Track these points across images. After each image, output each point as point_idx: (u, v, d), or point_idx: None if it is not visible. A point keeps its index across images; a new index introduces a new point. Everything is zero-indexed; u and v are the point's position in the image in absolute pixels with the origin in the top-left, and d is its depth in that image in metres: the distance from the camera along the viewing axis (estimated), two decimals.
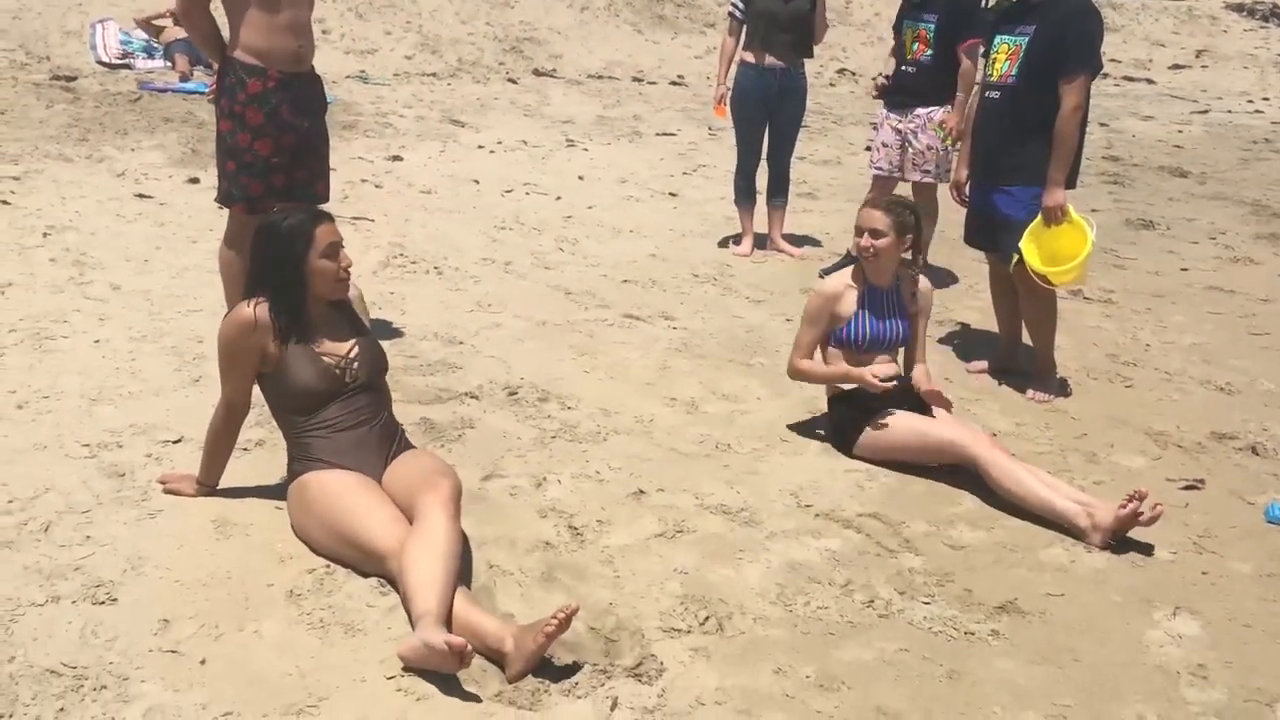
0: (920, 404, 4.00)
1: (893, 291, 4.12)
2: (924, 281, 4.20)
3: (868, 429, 3.94)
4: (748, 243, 6.70)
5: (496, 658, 2.73)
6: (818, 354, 4.16)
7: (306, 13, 4.28)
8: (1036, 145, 4.47)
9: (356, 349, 3.32)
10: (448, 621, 2.73)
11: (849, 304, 4.06)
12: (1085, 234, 4.44)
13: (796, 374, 4.18)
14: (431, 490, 2.98)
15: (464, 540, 3.08)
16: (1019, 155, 4.56)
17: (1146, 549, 3.48)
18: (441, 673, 2.65)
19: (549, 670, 2.72)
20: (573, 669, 2.74)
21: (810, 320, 4.11)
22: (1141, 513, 3.44)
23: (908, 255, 4.14)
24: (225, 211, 4.47)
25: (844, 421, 4.06)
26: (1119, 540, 3.48)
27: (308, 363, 3.22)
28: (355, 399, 3.27)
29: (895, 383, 3.99)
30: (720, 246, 6.81)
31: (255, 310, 3.19)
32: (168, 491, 3.43)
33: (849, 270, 4.16)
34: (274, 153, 4.27)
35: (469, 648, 2.60)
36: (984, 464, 3.68)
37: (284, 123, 4.25)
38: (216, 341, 3.29)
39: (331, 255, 3.21)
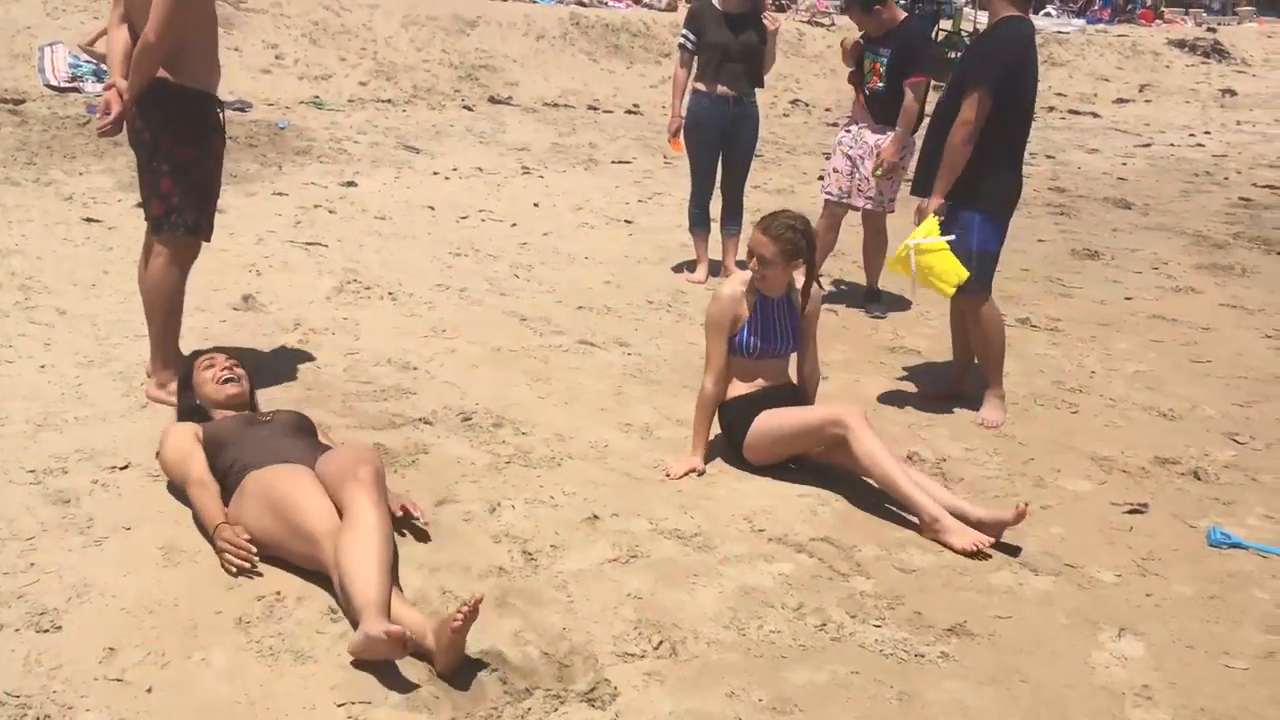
0: (806, 401, 4.27)
1: (784, 301, 4.20)
2: (814, 287, 4.29)
3: (754, 425, 4.05)
4: (702, 270, 6.75)
5: (422, 652, 2.79)
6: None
7: None
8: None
9: (277, 411, 3.78)
10: (389, 608, 2.80)
11: (743, 312, 4.14)
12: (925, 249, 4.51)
13: (699, 400, 4.17)
14: (352, 480, 3.06)
15: (390, 522, 3.14)
16: (933, 170, 4.68)
17: (1092, 572, 3.54)
18: (386, 659, 2.72)
19: (502, 695, 2.72)
20: (526, 694, 2.73)
21: (715, 328, 4.14)
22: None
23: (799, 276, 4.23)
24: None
25: (733, 423, 4.15)
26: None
27: (229, 426, 3.57)
28: (279, 429, 3.54)
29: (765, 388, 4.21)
30: (675, 272, 6.86)
31: (182, 422, 3.67)
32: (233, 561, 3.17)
33: (744, 277, 4.20)
34: (221, 177, 4.33)
35: (406, 633, 2.69)
36: (851, 433, 3.81)
37: (224, 145, 4.31)
38: (163, 465, 3.54)
39: (207, 367, 3.80)
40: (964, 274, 4.51)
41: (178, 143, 4.10)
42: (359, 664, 2.76)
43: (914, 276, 4.54)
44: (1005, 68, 4.50)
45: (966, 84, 4.49)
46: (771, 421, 4.05)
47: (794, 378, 4.35)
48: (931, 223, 4.53)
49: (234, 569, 3.13)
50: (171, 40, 3.93)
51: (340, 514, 3.05)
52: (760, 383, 4.19)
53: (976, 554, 3.57)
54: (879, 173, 6.08)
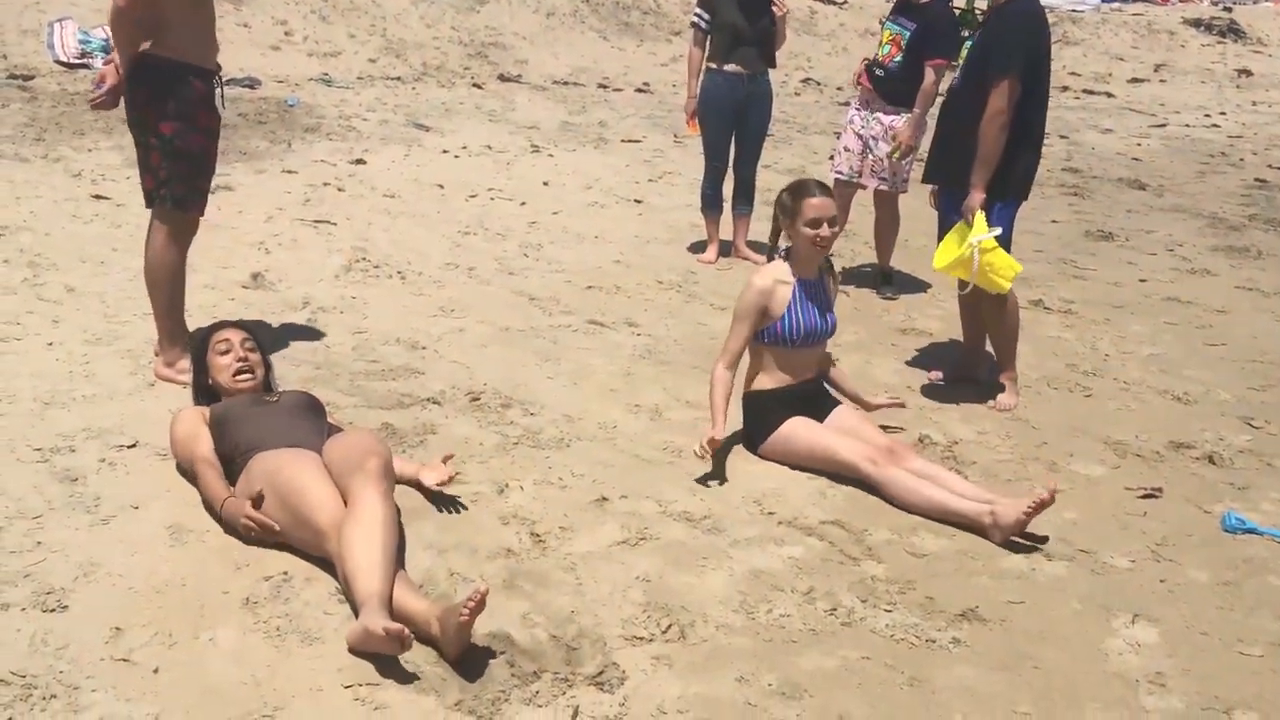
0: (830, 400, 4.13)
1: (819, 283, 4.15)
2: (833, 269, 4.29)
3: (775, 433, 3.98)
4: (712, 250, 6.70)
5: (428, 640, 2.77)
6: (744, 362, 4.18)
7: None
8: (964, 147, 4.50)
9: (284, 390, 3.76)
10: (390, 602, 2.79)
11: (781, 300, 4.03)
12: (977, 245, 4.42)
13: (712, 380, 4.02)
14: (360, 471, 3.05)
15: (396, 514, 3.12)
16: (946, 156, 4.63)
17: (1106, 557, 3.51)
18: (384, 654, 2.70)
19: (510, 678, 2.70)
20: (534, 677, 2.72)
21: (743, 317, 4.02)
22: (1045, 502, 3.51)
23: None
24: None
25: (755, 418, 4.09)
26: (1023, 535, 3.56)
27: (236, 406, 3.52)
28: (286, 410, 3.51)
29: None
30: (690, 252, 6.81)
31: (193, 407, 3.62)
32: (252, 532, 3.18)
33: (777, 266, 4.12)
34: (215, 153, 4.30)
35: (406, 633, 2.66)
36: (881, 486, 3.75)
37: (218, 120, 4.28)
38: (172, 449, 3.52)
39: (222, 352, 3.67)
40: (1018, 267, 4.47)
41: (163, 117, 4.10)
42: (358, 653, 2.75)
43: (974, 277, 4.45)
44: (1029, 50, 4.43)
45: (992, 70, 4.38)
46: (797, 439, 3.95)
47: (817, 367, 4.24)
48: (981, 220, 4.45)
49: (253, 536, 3.14)
50: (142, 6, 3.91)
51: (345, 501, 3.03)
52: (789, 378, 4.06)
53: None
54: (897, 155, 6.02)
